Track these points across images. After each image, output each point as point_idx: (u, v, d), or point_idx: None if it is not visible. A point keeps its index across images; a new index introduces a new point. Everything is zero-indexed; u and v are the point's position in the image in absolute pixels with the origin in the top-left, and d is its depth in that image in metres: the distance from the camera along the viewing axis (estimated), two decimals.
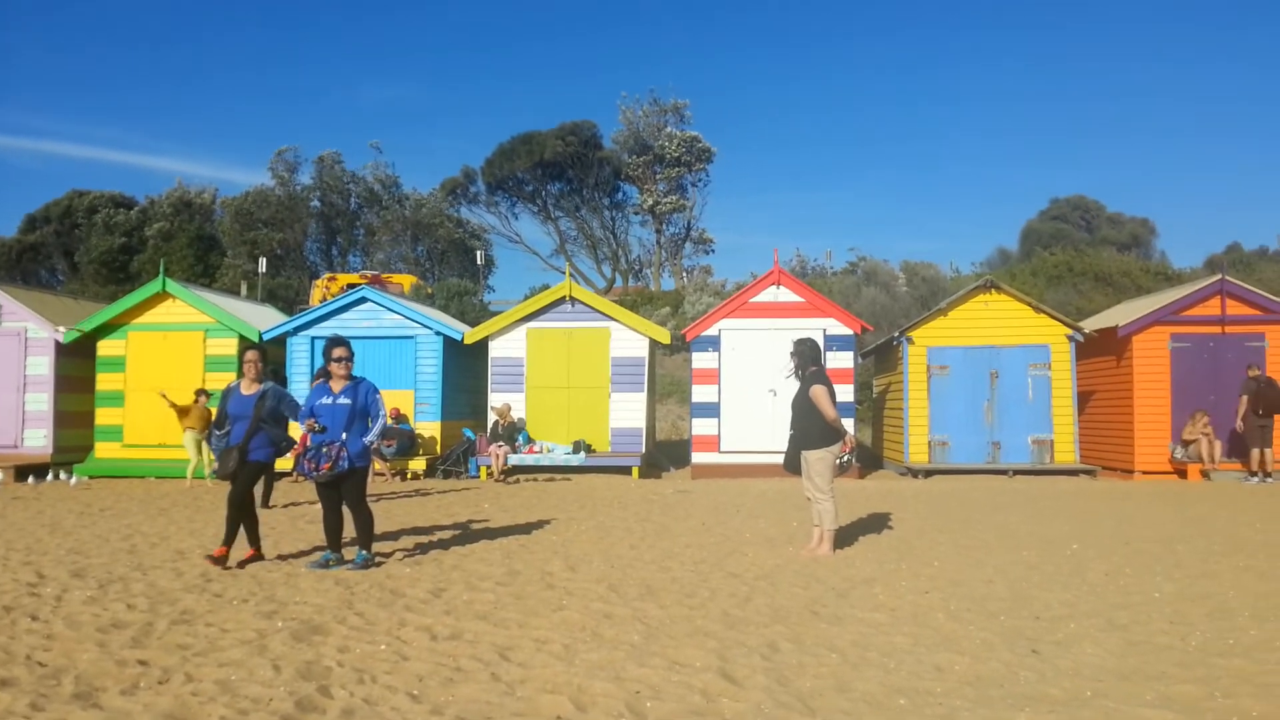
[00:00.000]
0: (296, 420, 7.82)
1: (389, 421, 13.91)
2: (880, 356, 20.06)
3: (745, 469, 16.02)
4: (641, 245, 51.99)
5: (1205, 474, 15.28)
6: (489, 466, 15.72)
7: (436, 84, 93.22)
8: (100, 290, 37.71)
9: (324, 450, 7.35)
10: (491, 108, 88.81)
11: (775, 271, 16.71)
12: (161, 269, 17.33)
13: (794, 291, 16.76)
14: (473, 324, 19.92)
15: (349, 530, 7.78)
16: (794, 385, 8.58)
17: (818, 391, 8.12)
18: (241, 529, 7.78)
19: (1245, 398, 15.00)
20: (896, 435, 17.35)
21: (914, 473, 16.07)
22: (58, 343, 16.69)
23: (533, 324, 16.97)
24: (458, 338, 17.05)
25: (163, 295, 16.80)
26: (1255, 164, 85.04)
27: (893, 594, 6.53)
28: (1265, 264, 32.37)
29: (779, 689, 4.44)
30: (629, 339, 16.81)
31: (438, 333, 16.87)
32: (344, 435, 7.42)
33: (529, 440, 16.33)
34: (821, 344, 14.57)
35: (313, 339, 16.68)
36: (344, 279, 29.97)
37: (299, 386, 15.72)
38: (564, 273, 17.50)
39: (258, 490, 9.35)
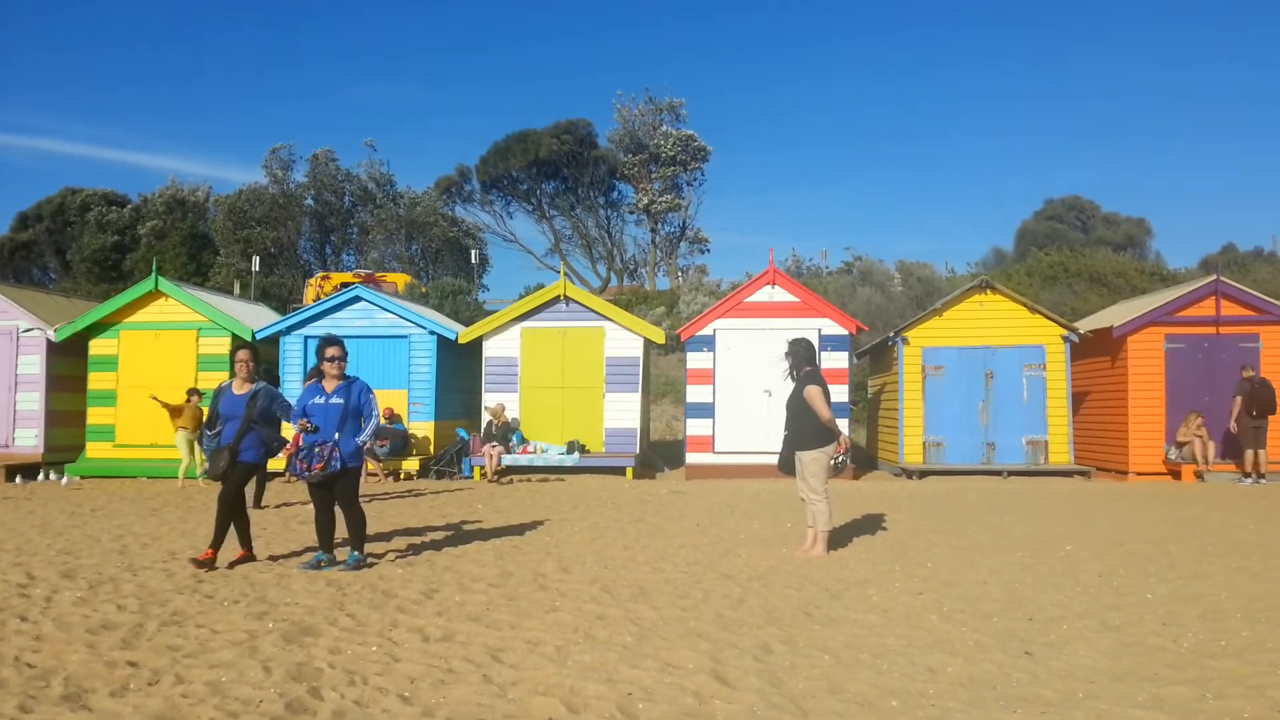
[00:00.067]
0: (289, 420, 7.79)
1: (382, 421, 13.89)
2: (875, 357, 20.06)
3: (740, 469, 16.01)
4: (637, 244, 51.98)
5: (1199, 475, 15.31)
6: (483, 467, 15.69)
7: (431, 82, 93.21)
8: (93, 289, 37.59)
9: (316, 450, 7.32)
10: (486, 106, 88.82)
11: (770, 271, 16.71)
12: (154, 267, 17.27)
13: (789, 291, 16.76)
14: (467, 323, 19.89)
15: (341, 531, 7.75)
16: (789, 386, 8.58)
17: (812, 392, 8.10)
18: (233, 530, 7.75)
19: (1239, 399, 15.02)
20: (891, 436, 17.36)
21: (908, 473, 16.07)
22: (49, 341, 16.62)
23: (527, 323, 16.94)
24: (452, 337, 17.02)
25: (155, 294, 16.75)
26: (1251, 165, 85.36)
27: (886, 595, 6.52)
28: (1260, 265, 32.41)
29: (772, 690, 4.43)
30: (624, 339, 16.79)
31: (432, 332, 16.84)
32: (337, 435, 7.39)
33: (523, 440, 16.30)
34: (816, 344, 14.50)
35: (306, 338, 16.64)
36: (338, 278, 29.90)
37: (292, 386, 15.68)
38: (559, 272, 17.48)
39: (250, 490, 9.32)
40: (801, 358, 8.41)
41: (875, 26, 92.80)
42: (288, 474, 10.26)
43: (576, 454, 16.02)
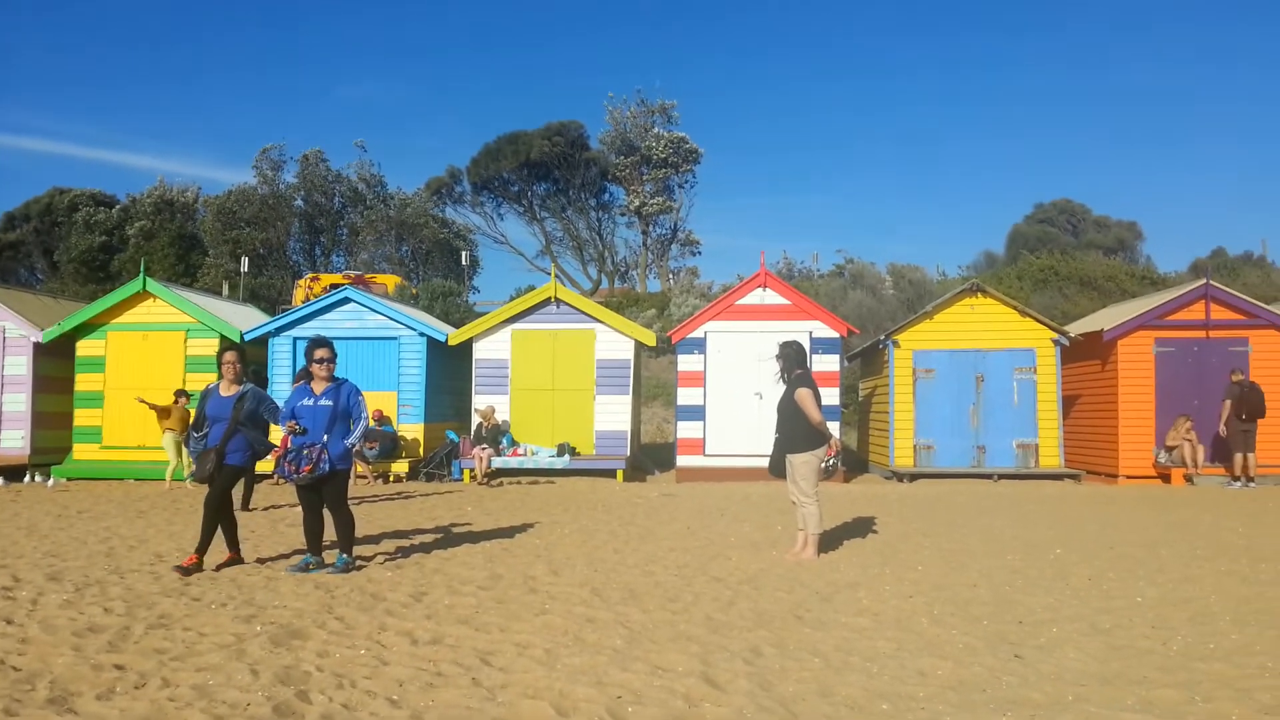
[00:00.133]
0: (277, 422, 7.75)
1: (371, 423, 13.85)
2: (866, 360, 20.09)
3: (730, 472, 16.00)
4: (628, 246, 52.03)
5: (1189, 478, 15.37)
6: (472, 469, 15.65)
7: (422, 83, 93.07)
8: (80, 289, 37.43)
9: (305, 452, 7.28)
10: (478, 107, 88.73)
11: (761, 274, 16.72)
12: (142, 268, 17.20)
13: (780, 294, 16.77)
14: (457, 325, 19.85)
15: (329, 533, 7.72)
16: (780, 388, 8.57)
17: (803, 395, 8.11)
18: (220, 532, 7.70)
19: (1228, 402, 15.08)
20: (882, 439, 17.38)
21: (899, 476, 16.09)
22: (36, 343, 16.52)
23: (518, 325, 16.91)
24: (442, 339, 16.97)
25: (143, 295, 16.67)
26: (1241, 169, 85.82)
27: (876, 598, 6.52)
28: (1249, 269, 32.56)
29: (761, 694, 4.42)
30: (614, 341, 16.77)
31: (421, 334, 16.80)
32: (325, 437, 7.36)
33: (513, 443, 16.27)
34: (807, 347, 14.58)
35: (295, 340, 16.57)
36: (327, 279, 29.83)
37: (281, 388, 15.61)
38: (549, 274, 17.45)
39: (237, 493, 9.27)
40: (792, 360, 8.41)
41: (868, 29, 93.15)
42: (276, 476, 10.21)
43: (567, 456, 15.99)
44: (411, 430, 16.57)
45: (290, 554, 8.24)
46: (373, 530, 9.77)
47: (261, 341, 16.73)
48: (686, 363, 16.75)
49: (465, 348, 17.14)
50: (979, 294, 16.76)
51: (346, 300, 16.95)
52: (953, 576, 7.32)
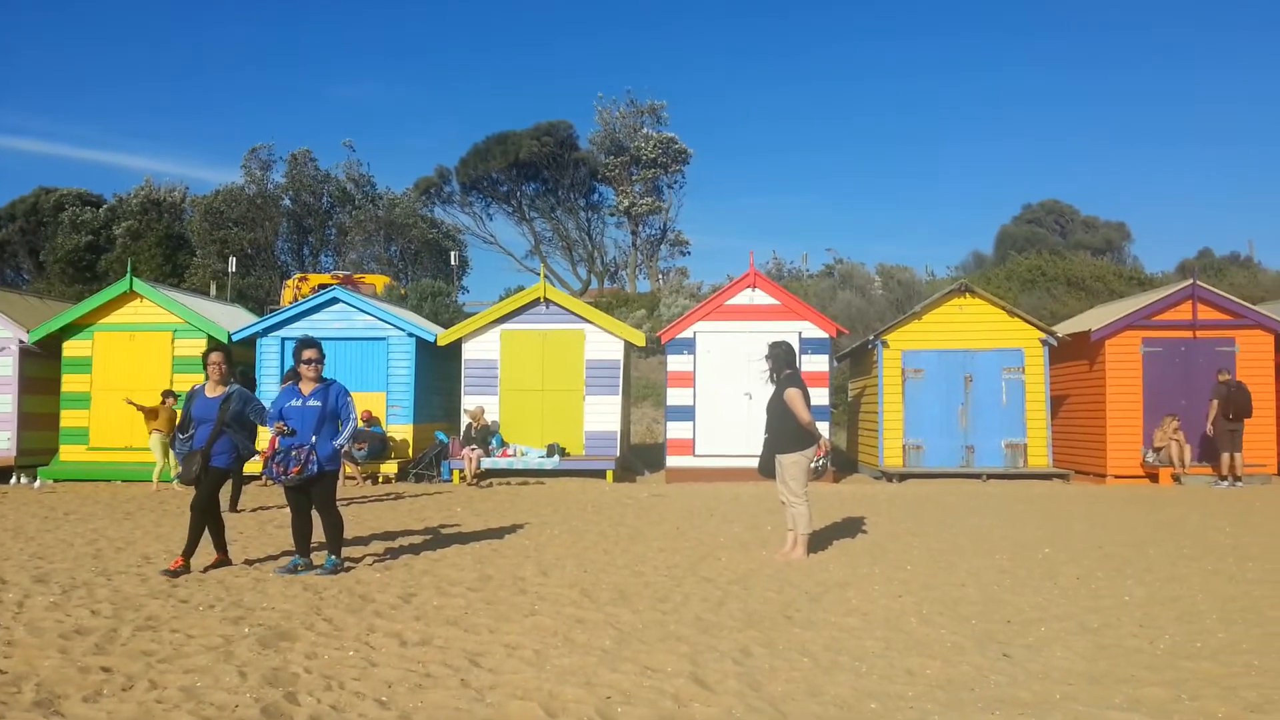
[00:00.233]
0: (265, 424, 7.71)
1: (360, 424, 13.80)
2: (855, 360, 20.14)
3: (720, 473, 16.01)
4: (617, 247, 51.93)
5: (1176, 478, 15.45)
6: (462, 470, 15.62)
7: (411, 83, 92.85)
8: (66, 289, 37.19)
9: (293, 453, 7.25)
10: (466, 107, 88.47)
11: (751, 274, 16.74)
12: (129, 268, 17.10)
13: (769, 294, 16.79)
14: (446, 325, 19.81)
15: (318, 535, 7.69)
16: (769, 388, 8.58)
17: (792, 395, 8.11)
18: (207, 534, 7.66)
19: (1215, 402, 15.16)
20: (871, 439, 17.42)
21: (888, 476, 16.13)
22: (22, 343, 16.42)
23: (507, 326, 16.88)
24: (431, 339, 16.94)
25: (130, 295, 16.59)
26: (1228, 170, 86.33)
27: (865, 598, 6.53)
28: (1236, 269, 32.75)
29: (751, 694, 4.42)
30: (604, 341, 16.76)
31: (410, 334, 16.76)
32: (313, 438, 7.33)
33: (502, 443, 16.25)
34: (796, 347, 14.60)
35: (283, 340, 16.52)
36: (315, 279, 29.68)
37: (268, 389, 15.56)
38: (539, 274, 17.42)
39: (225, 494, 9.23)
40: (782, 360, 8.42)
41: (858, 31, 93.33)
42: (264, 477, 10.17)
43: (556, 457, 15.98)
44: (400, 431, 16.53)
45: (278, 555, 8.20)
46: (361, 531, 9.74)
47: (249, 342, 16.68)
48: (676, 363, 16.75)
49: (454, 348, 17.11)
50: (967, 294, 16.82)
51: (335, 300, 16.90)
52: (941, 576, 7.34)
